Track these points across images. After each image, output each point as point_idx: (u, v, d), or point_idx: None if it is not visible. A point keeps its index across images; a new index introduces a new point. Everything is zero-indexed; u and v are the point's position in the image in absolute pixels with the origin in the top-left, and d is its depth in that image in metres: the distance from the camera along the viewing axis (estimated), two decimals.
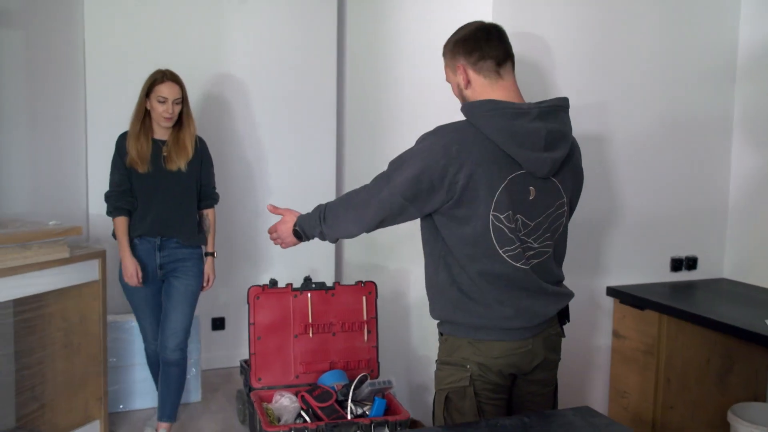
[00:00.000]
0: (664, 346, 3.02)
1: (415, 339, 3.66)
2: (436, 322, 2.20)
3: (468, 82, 2.07)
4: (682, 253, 3.37)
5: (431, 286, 2.17)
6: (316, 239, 2.24)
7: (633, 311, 3.11)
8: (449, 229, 2.03)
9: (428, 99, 3.51)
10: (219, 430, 3.76)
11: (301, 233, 2.23)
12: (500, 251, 2.00)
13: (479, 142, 1.95)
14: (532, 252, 2.06)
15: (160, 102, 3.19)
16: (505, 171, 1.97)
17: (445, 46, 2.15)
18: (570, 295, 2.21)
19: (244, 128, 4.59)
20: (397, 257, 3.82)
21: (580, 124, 2.54)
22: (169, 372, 3.38)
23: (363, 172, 4.40)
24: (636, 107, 3.19)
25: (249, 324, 3.25)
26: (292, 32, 4.63)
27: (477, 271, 2.03)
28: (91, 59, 4.13)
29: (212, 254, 3.47)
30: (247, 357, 3.88)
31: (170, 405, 3.41)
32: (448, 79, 2.16)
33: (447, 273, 2.09)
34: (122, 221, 3.25)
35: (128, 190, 3.26)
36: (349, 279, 4.40)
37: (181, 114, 3.28)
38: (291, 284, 3.31)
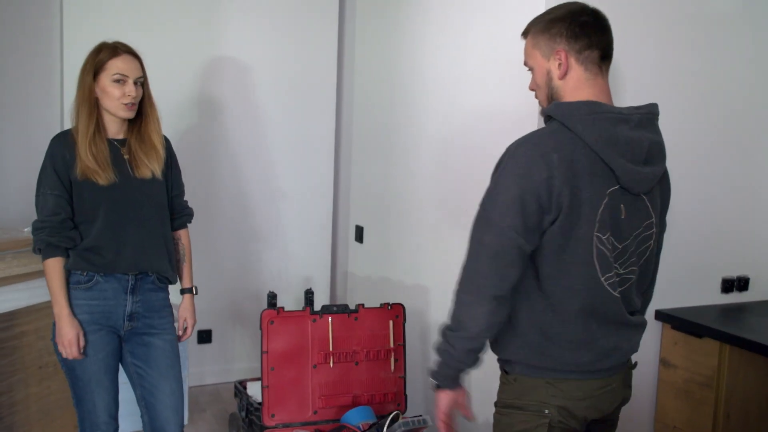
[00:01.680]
0: (725, 378, 2.77)
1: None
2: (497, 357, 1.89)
3: (565, 72, 1.78)
4: (734, 273, 3.13)
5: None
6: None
7: (688, 338, 2.86)
8: (546, 258, 1.71)
9: (431, 95, 3.31)
10: None
11: (441, 378, 1.81)
12: (602, 280, 1.71)
13: (579, 149, 1.67)
14: (618, 279, 1.77)
15: (117, 83, 2.40)
16: (605, 185, 1.69)
17: (538, 24, 1.84)
18: (645, 324, 1.93)
19: (235, 127, 4.34)
20: (414, 272, 3.53)
21: None
22: None
23: (362, 172, 4.15)
24: (685, 116, 2.93)
25: (262, 352, 2.88)
26: (291, 25, 4.41)
27: (577, 309, 1.72)
28: (70, 51, 3.81)
29: (191, 290, 2.72)
30: (240, 378, 3.66)
31: None
32: (528, 63, 1.86)
33: (528, 313, 1.77)
34: (57, 264, 2.41)
35: (68, 219, 2.42)
36: (354, 295, 4.14)
37: (141, 102, 2.50)
38: (309, 307, 2.95)
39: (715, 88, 2.97)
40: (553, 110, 1.73)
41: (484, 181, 2.70)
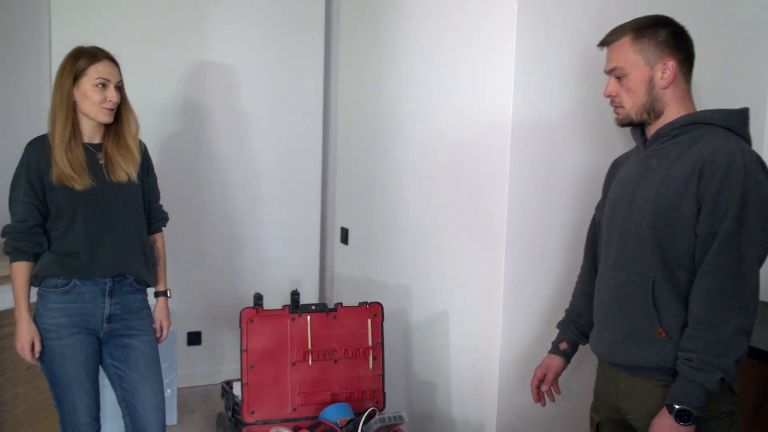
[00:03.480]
0: None
1: (417, 364, 3.40)
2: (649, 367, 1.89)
3: (671, 81, 1.90)
4: None
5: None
6: None
7: None
8: None
9: (412, 100, 3.33)
10: None
11: (690, 410, 1.77)
12: None
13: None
14: None
15: (98, 87, 2.44)
16: None
17: (647, 31, 1.92)
18: None
19: (222, 131, 4.39)
20: (397, 273, 3.57)
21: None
22: None
23: (347, 175, 4.20)
24: None
25: (241, 351, 2.92)
26: (277, 30, 4.46)
27: None
28: (57, 49, 3.85)
29: (165, 293, 2.76)
30: (228, 378, 3.68)
31: None
32: (625, 65, 1.94)
33: None
34: (23, 268, 2.44)
35: (37, 225, 2.45)
36: (340, 296, 4.17)
37: (119, 106, 2.53)
38: (288, 306, 2.99)
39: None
40: (722, 119, 1.86)
41: (464, 183, 2.76)
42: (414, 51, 3.40)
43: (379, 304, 3.11)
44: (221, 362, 4.48)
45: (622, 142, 2.78)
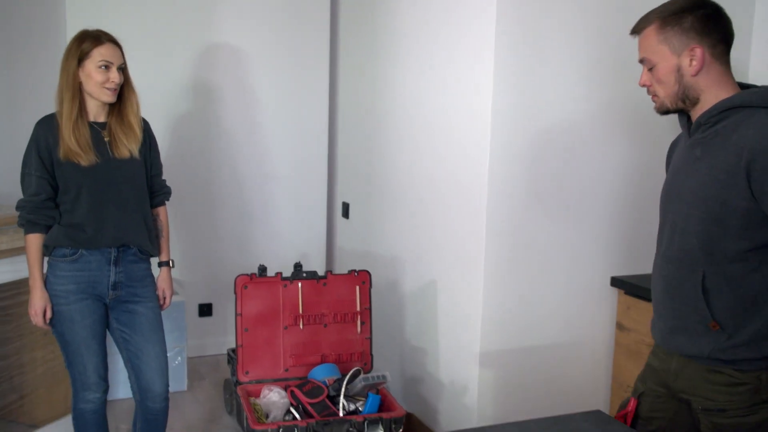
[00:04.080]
0: None
1: (409, 330, 3.57)
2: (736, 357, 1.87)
3: (700, 68, 1.82)
4: None
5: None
6: None
7: (639, 303, 3.00)
8: None
9: (424, 83, 3.43)
10: (206, 421, 3.68)
11: None
12: None
13: None
14: None
15: (101, 69, 2.58)
16: None
17: (665, 18, 1.86)
18: None
19: (232, 111, 4.52)
20: (393, 246, 3.74)
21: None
22: (156, 422, 2.83)
23: (348, 152, 4.36)
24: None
25: (236, 315, 3.11)
26: (285, 10, 4.57)
27: None
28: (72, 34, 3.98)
29: (168, 263, 2.90)
30: (234, 346, 3.79)
31: None
32: (652, 59, 1.89)
33: None
34: (37, 240, 2.61)
35: (49, 199, 2.62)
36: (341, 267, 4.33)
37: (122, 87, 2.67)
38: (281, 273, 3.17)
39: None
40: (765, 98, 1.77)
41: (450, 165, 2.92)
42: (411, 35, 3.54)
43: (367, 272, 3.27)
44: (231, 333, 4.55)
45: (601, 127, 2.92)
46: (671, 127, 3.06)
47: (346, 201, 4.37)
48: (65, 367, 2.76)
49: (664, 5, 1.89)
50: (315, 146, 4.74)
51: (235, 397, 3.31)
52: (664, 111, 1.93)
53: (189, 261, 4.02)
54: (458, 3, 3.08)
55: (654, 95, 1.93)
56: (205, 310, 4.61)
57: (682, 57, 1.82)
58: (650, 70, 1.90)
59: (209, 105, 4.44)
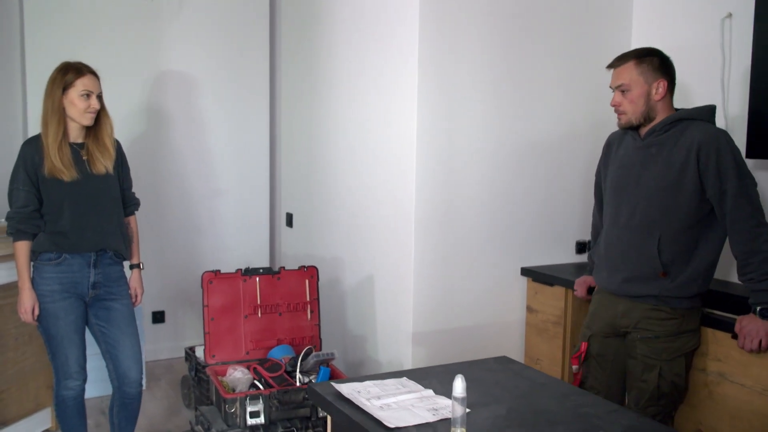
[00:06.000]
0: (570, 316, 3.39)
1: (350, 320, 3.96)
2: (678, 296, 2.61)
3: (663, 95, 2.57)
4: (585, 237, 3.76)
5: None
6: None
7: (544, 288, 3.48)
8: None
9: (357, 104, 3.82)
10: (166, 415, 3.98)
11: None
12: None
13: None
14: None
15: (83, 97, 2.88)
16: None
17: (646, 58, 2.58)
18: None
19: (179, 132, 4.82)
20: (333, 248, 4.12)
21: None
22: (131, 405, 3.12)
23: (290, 166, 4.70)
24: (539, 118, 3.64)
25: (203, 306, 3.51)
26: (228, 38, 4.90)
27: None
28: (31, 60, 4.26)
29: (138, 266, 3.22)
30: (191, 344, 4.14)
31: (131, 431, 3.20)
32: (629, 83, 2.58)
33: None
34: (25, 246, 2.89)
35: (36, 210, 2.91)
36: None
37: (98, 112, 2.97)
38: (241, 269, 3.61)
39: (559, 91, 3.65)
40: (705, 113, 2.58)
41: (382, 172, 3.41)
42: (345, 53, 3.93)
43: (315, 268, 3.73)
44: (183, 338, 4.88)
45: (509, 147, 3.47)
46: (554, 156, 3.63)
47: (290, 212, 4.78)
48: (49, 360, 3.03)
49: (636, 49, 2.68)
50: (257, 163, 5.06)
51: (196, 384, 3.70)
52: (628, 126, 2.65)
53: (143, 271, 4.30)
54: (385, 39, 3.51)
55: (622, 113, 2.63)
56: (158, 317, 4.86)
57: (651, 86, 2.56)
58: (623, 93, 2.60)
59: (158, 127, 4.72)
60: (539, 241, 3.68)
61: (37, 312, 2.91)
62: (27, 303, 2.89)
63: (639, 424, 1.91)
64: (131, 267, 3.22)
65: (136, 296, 3.19)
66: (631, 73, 2.58)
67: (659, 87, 2.56)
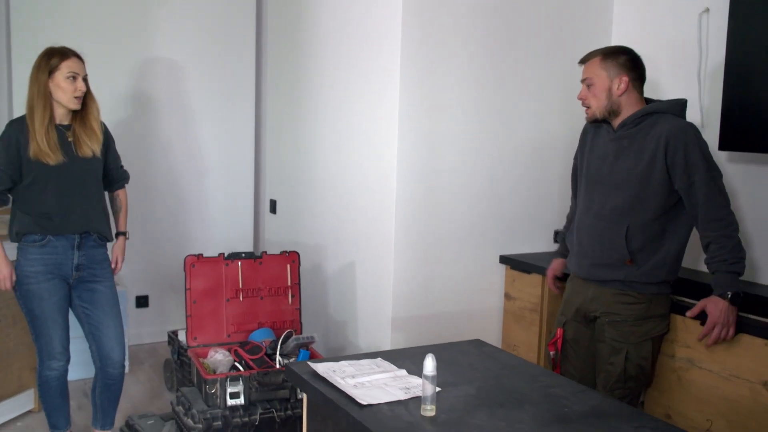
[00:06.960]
0: (546, 303, 3.46)
1: (332, 306, 4.03)
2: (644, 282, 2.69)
3: (624, 91, 2.64)
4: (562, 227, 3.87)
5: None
6: None
7: (521, 275, 3.56)
8: None
9: (344, 83, 3.86)
10: (149, 397, 4.04)
11: (739, 293, 2.53)
12: None
13: None
14: None
15: (69, 80, 2.91)
16: None
17: (612, 56, 2.66)
18: None
19: (166, 117, 4.87)
20: (316, 235, 4.18)
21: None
22: (114, 387, 3.17)
23: (275, 153, 4.75)
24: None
25: (186, 289, 3.57)
26: (215, 25, 4.94)
27: None
28: (17, 47, 4.30)
29: (124, 234, 3.28)
30: (174, 328, 4.18)
31: (113, 412, 3.26)
32: (593, 77, 2.67)
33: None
34: None
35: (7, 190, 2.97)
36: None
37: (84, 95, 3.00)
38: (223, 254, 3.66)
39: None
40: (675, 107, 2.64)
41: (361, 160, 3.45)
42: (331, 44, 3.97)
43: (296, 253, 3.79)
44: (167, 322, 4.91)
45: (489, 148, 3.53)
46: (533, 148, 3.71)
47: (274, 198, 4.84)
48: (32, 341, 3.09)
49: (606, 47, 2.75)
50: (242, 150, 5.12)
51: (179, 366, 3.76)
52: (593, 119, 2.73)
53: (126, 255, 4.33)
54: (369, 28, 3.56)
55: (588, 108, 2.72)
56: (142, 301, 4.92)
57: (613, 81, 2.62)
58: (588, 87, 2.68)
59: (143, 113, 4.76)
60: (518, 230, 3.75)
61: (14, 278, 2.94)
62: (4, 270, 2.92)
63: (604, 405, 1.97)
64: (117, 234, 3.25)
65: (117, 263, 3.22)
66: (595, 68, 2.67)
67: (621, 83, 2.62)
